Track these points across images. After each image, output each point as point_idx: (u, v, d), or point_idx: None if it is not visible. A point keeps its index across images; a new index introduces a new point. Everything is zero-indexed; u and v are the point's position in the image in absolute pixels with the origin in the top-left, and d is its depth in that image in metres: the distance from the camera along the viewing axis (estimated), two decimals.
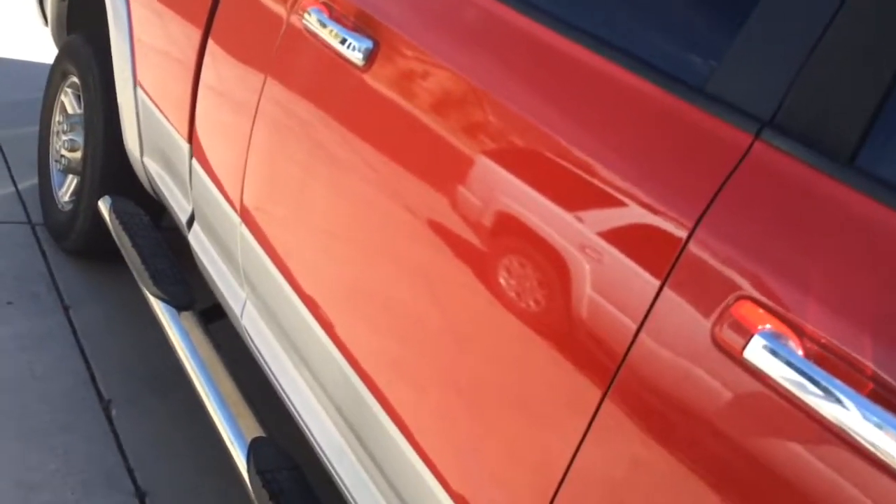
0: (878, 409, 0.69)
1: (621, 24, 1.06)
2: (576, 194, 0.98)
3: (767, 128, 0.85)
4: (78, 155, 2.58)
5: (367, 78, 1.32)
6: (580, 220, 0.97)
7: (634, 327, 0.89)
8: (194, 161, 1.90)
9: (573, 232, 0.97)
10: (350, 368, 1.34)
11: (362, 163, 1.34)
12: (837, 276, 0.76)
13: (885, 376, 0.70)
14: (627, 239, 0.92)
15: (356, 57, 1.33)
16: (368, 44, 1.32)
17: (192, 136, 1.91)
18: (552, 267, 1.00)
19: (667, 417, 0.85)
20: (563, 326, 0.97)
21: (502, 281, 1.05)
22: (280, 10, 1.58)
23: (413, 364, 1.22)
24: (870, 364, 0.72)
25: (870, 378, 0.71)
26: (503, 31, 1.16)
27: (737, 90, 0.89)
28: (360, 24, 1.37)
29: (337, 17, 1.40)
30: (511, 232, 1.05)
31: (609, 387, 0.90)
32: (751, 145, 0.85)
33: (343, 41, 1.36)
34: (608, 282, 0.93)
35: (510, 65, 1.14)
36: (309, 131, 1.47)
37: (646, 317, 0.88)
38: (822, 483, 0.72)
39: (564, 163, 1.01)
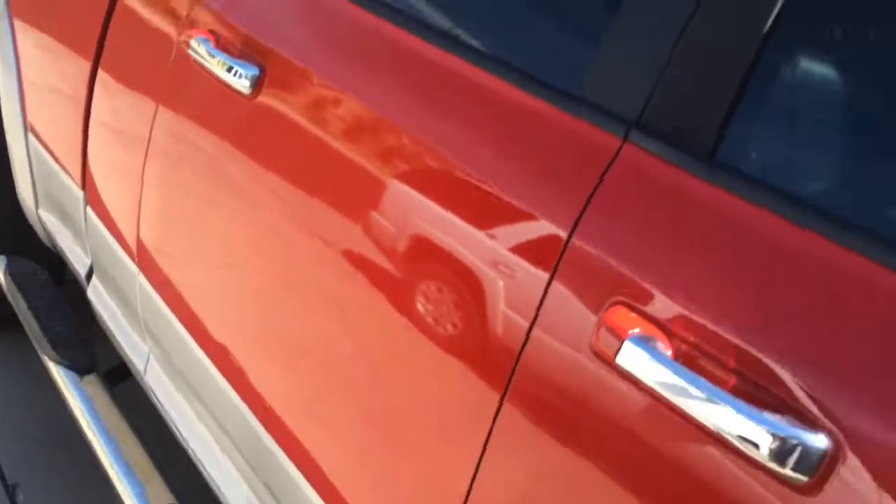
0: (744, 404, 0.76)
1: (498, 35, 1.16)
2: (464, 207, 1.06)
3: (634, 129, 0.93)
4: None
5: (255, 105, 1.39)
6: (469, 234, 1.04)
7: (523, 338, 0.95)
8: (89, 209, 1.95)
9: (465, 245, 1.05)
10: (254, 417, 1.39)
11: (257, 196, 1.40)
12: (703, 275, 0.84)
13: (748, 373, 0.77)
14: (511, 248, 0.99)
15: (243, 85, 1.40)
16: (254, 70, 1.39)
17: (85, 182, 1.96)
18: (446, 282, 1.07)
19: (558, 426, 0.92)
20: (460, 342, 1.04)
21: (406, 300, 1.12)
22: (168, 39, 1.65)
23: (321, 404, 1.28)
24: (733, 361, 0.79)
25: (735, 374, 0.78)
26: (385, 47, 1.25)
27: (605, 93, 0.97)
28: (246, 50, 1.44)
29: (223, 46, 1.48)
30: (410, 249, 1.13)
31: (503, 397, 0.97)
32: (619, 148, 0.93)
33: (229, 69, 1.43)
34: (496, 293, 1.00)
35: (392, 79, 1.22)
36: (202, 166, 1.53)
37: (531, 326, 0.95)
38: (698, 478, 0.79)
39: (450, 176, 1.09)
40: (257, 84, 1.39)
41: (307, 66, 1.33)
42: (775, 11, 0.85)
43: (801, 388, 0.74)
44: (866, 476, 0.70)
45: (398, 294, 1.14)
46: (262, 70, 1.39)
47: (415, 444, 1.13)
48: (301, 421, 1.33)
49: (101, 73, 1.89)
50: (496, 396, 0.98)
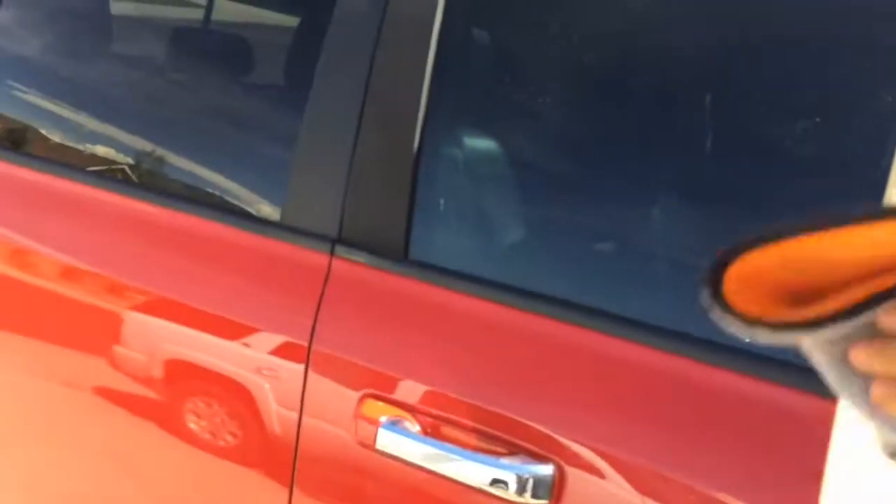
0: (487, 456, 0.91)
1: (201, 178, 1.23)
2: (218, 340, 1.12)
3: (338, 244, 1.05)
4: None
5: None
6: (229, 366, 1.11)
7: (293, 445, 1.04)
8: None
9: (232, 376, 1.11)
10: None
11: None
12: (427, 355, 0.98)
13: (484, 428, 0.93)
14: (264, 365, 1.08)
15: None
16: None
17: None
18: (218, 401, 1.13)
19: None
20: (245, 452, 1.10)
21: (175, 422, 1.15)
22: None
23: None
24: (470, 423, 0.93)
25: (474, 433, 0.93)
26: (78, 204, 1.26)
27: (305, 217, 1.08)
28: None
29: None
30: (168, 374, 1.17)
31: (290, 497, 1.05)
32: (329, 263, 1.05)
33: None
34: (260, 408, 1.08)
35: (93, 231, 1.24)
36: None
37: (298, 434, 1.04)
38: None
39: (191, 317, 1.15)
40: None
41: None
42: (419, 127, 1.00)
43: (525, 431, 0.91)
44: (588, 489, 0.87)
45: (168, 418, 1.17)
46: None
47: None
48: None
49: None
50: (284, 493, 1.06)
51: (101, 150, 1.33)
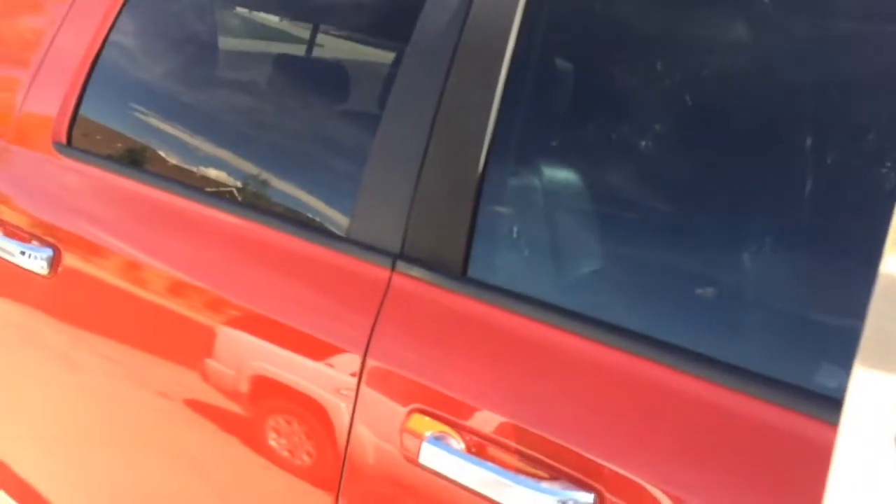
0: (528, 479, 0.89)
1: (274, 193, 1.26)
2: (276, 347, 1.14)
3: (399, 260, 1.05)
4: None
5: (55, 283, 1.41)
6: (286, 372, 1.12)
7: (342, 453, 1.04)
8: None
9: (286, 381, 1.12)
10: None
11: (81, 364, 1.41)
12: (476, 374, 0.97)
13: (526, 451, 0.90)
14: (319, 375, 1.08)
15: (39, 266, 1.42)
16: (48, 252, 1.42)
17: None
18: (275, 415, 1.14)
19: None
20: (295, 459, 1.11)
21: (236, 430, 1.17)
22: None
23: None
24: (513, 443, 0.91)
25: (516, 454, 0.91)
26: (168, 213, 1.32)
27: (370, 233, 1.09)
28: (36, 233, 1.46)
29: (12, 233, 1.49)
30: (233, 385, 1.19)
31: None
32: (389, 278, 1.05)
33: (22, 253, 1.44)
34: (314, 417, 1.08)
35: (183, 243, 1.29)
36: (14, 345, 1.52)
37: (347, 442, 1.04)
38: None
39: (254, 324, 1.17)
40: (53, 263, 1.41)
41: (98, 241, 1.38)
42: (485, 146, 1.01)
43: (567, 454, 0.88)
44: None
45: (237, 432, 1.19)
46: (56, 249, 1.42)
47: None
48: None
49: None
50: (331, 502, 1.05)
51: (197, 179, 1.38)
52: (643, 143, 1.03)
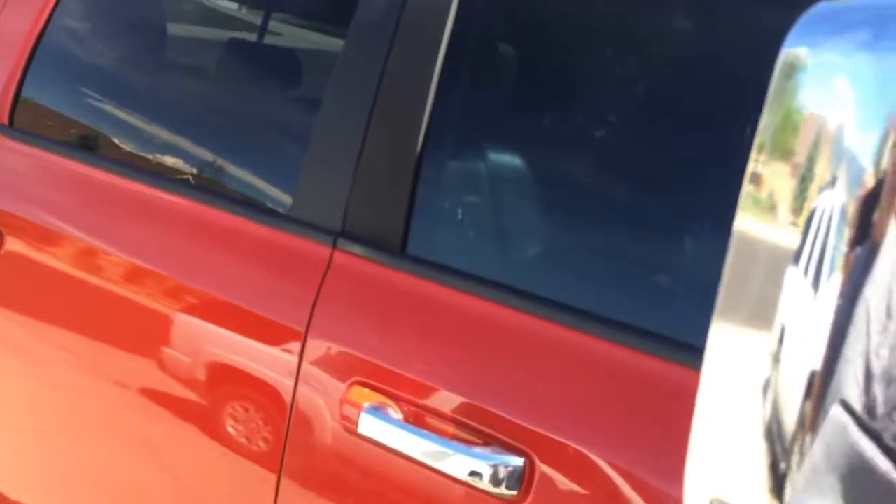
0: (463, 446, 0.91)
1: (219, 173, 1.26)
2: (219, 325, 1.14)
3: (340, 238, 1.06)
4: None
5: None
6: (230, 348, 1.12)
7: (286, 424, 1.05)
8: None
9: (229, 358, 1.12)
10: None
11: (27, 351, 1.38)
12: (415, 347, 0.98)
13: (461, 419, 0.92)
14: (261, 352, 1.09)
15: None
16: None
17: None
18: (221, 392, 1.14)
19: (330, 497, 1.02)
20: (238, 435, 1.10)
21: (192, 415, 1.16)
22: None
23: None
24: (448, 412, 0.93)
25: (452, 423, 0.93)
26: (112, 194, 1.30)
27: (312, 211, 1.10)
28: None
29: None
30: (170, 364, 1.18)
31: (279, 478, 1.05)
32: (331, 255, 1.06)
33: None
34: (256, 389, 1.09)
35: (131, 225, 1.28)
36: None
37: (290, 413, 1.04)
38: None
39: (197, 302, 1.17)
40: None
41: (44, 225, 1.36)
42: (423, 126, 1.02)
43: (499, 422, 0.90)
44: (555, 482, 0.86)
45: (182, 411, 1.18)
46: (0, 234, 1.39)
47: None
48: None
49: None
50: (273, 480, 1.06)
51: (140, 158, 1.36)
52: (580, 126, 1.05)
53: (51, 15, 1.50)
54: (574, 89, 1.08)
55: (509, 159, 1.07)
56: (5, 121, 1.49)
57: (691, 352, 0.84)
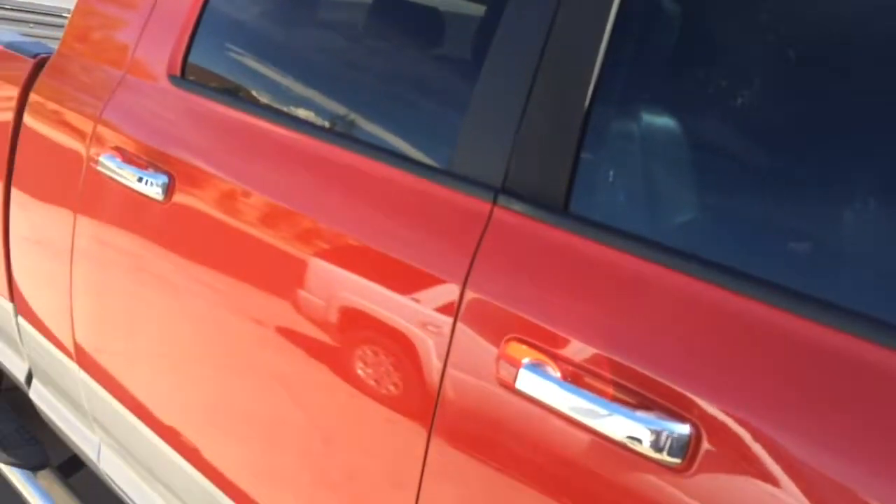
0: (624, 408, 0.89)
1: (376, 126, 1.27)
2: (373, 276, 1.16)
3: (501, 194, 1.05)
4: None
5: (169, 209, 1.46)
6: (381, 297, 1.14)
7: (438, 380, 1.06)
8: (20, 318, 1.95)
9: (380, 308, 1.14)
10: (214, 487, 1.44)
11: (182, 287, 1.46)
12: (575, 307, 0.96)
13: (623, 382, 0.90)
14: (418, 305, 1.10)
15: (155, 192, 1.47)
16: (164, 178, 1.46)
17: (13, 294, 1.96)
18: (366, 341, 1.16)
19: (480, 450, 1.02)
20: (387, 392, 1.13)
21: (334, 361, 1.20)
22: (76, 156, 1.70)
23: (277, 470, 1.34)
24: (609, 375, 0.91)
25: (612, 385, 0.91)
26: (274, 143, 1.34)
27: (472, 167, 1.09)
28: (153, 160, 1.51)
29: (130, 160, 1.54)
30: (330, 316, 1.21)
31: (430, 433, 1.07)
32: (491, 211, 1.05)
33: (140, 179, 1.49)
34: (410, 345, 1.10)
35: (291, 174, 1.31)
36: (128, 266, 1.58)
37: (444, 368, 1.05)
38: (598, 475, 0.91)
39: (352, 252, 1.19)
40: (168, 190, 1.46)
41: (213, 170, 1.41)
42: (591, 83, 0.99)
43: (666, 388, 0.87)
44: (723, 453, 0.83)
45: (327, 357, 1.22)
46: (171, 177, 1.46)
47: (365, 489, 1.20)
48: (259, 486, 1.38)
49: (14, 191, 1.90)
50: (424, 434, 1.07)
51: (302, 111, 1.40)
52: (753, 90, 0.99)
53: None
54: (745, 48, 1.02)
55: (676, 120, 1.02)
56: (177, 72, 1.56)
57: (873, 325, 0.78)
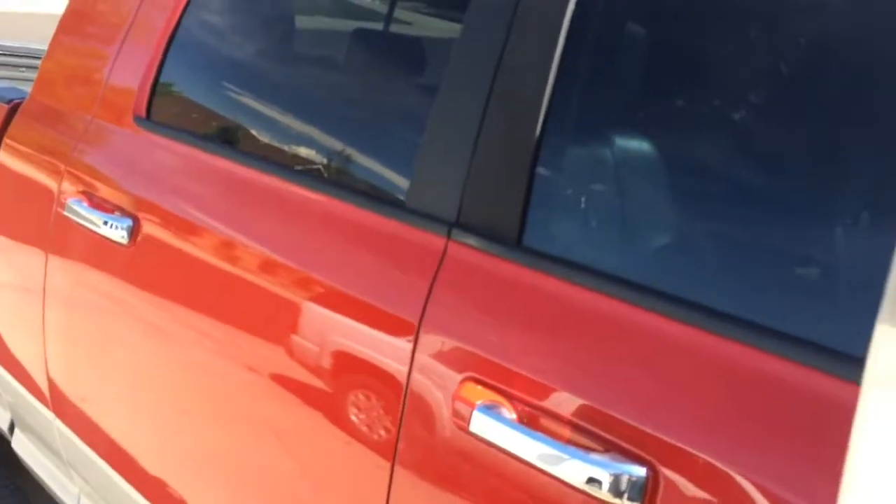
0: (581, 451, 0.84)
1: (336, 163, 1.24)
2: (334, 312, 1.12)
3: (455, 228, 1.01)
4: None
5: (133, 252, 1.43)
6: (344, 335, 1.10)
7: (398, 417, 1.01)
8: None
9: (343, 345, 1.10)
10: None
11: (154, 331, 1.42)
12: (531, 344, 0.92)
13: (579, 423, 0.85)
14: (374, 341, 1.05)
15: (120, 235, 1.44)
16: (129, 222, 1.43)
17: None
18: (333, 378, 1.12)
19: (438, 488, 0.98)
20: (353, 424, 1.08)
21: (306, 399, 1.15)
22: (49, 198, 1.67)
23: None
24: (565, 414, 0.86)
25: (569, 426, 0.86)
26: (233, 182, 1.31)
27: (427, 201, 1.05)
28: (118, 204, 1.48)
29: (97, 204, 1.51)
30: (292, 353, 1.17)
31: (392, 468, 1.02)
32: (445, 246, 1.01)
33: (105, 223, 1.46)
34: (369, 381, 1.06)
35: (250, 211, 1.28)
36: (98, 309, 1.55)
37: (403, 406, 1.00)
38: None
39: (312, 289, 1.15)
40: (133, 232, 1.43)
41: (176, 211, 1.38)
42: (542, 115, 0.95)
43: (621, 428, 0.82)
44: (681, 493, 0.78)
45: (293, 395, 1.17)
46: (135, 219, 1.43)
47: None
48: None
49: None
50: (387, 470, 1.03)
51: (261, 149, 1.37)
52: (707, 111, 0.95)
53: (183, 11, 1.53)
54: (701, 71, 0.98)
55: (630, 148, 0.98)
56: (143, 113, 1.54)
57: (839, 359, 0.74)
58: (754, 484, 0.74)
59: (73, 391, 1.67)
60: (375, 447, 1.06)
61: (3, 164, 1.82)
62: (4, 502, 2.01)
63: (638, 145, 0.98)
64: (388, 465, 1.03)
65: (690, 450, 0.78)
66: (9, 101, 1.89)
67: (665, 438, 0.80)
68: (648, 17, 1.03)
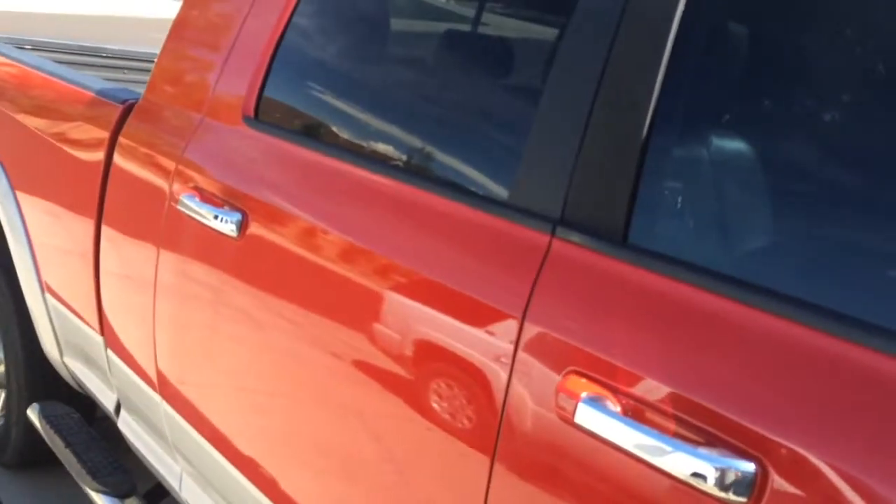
0: (686, 445, 0.85)
1: (441, 161, 1.27)
2: (438, 308, 1.15)
3: (559, 226, 1.03)
4: (0, 369, 2.67)
5: (243, 245, 1.49)
6: (447, 330, 1.13)
7: (500, 411, 1.04)
8: (109, 351, 2.02)
9: (445, 340, 1.13)
10: None
11: (256, 320, 1.49)
12: (635, 339, 0.93)
13: (685, 417, 0.86)
14: (477, 337, 1.08)
15: (230, 229, 1.50)
16: (238, 216, 1.50)
17: (103, 328, 2.04)
18: (431, 372, 1.15)
19: (539, 483, 1.00)
20: (451, 422, 1.11)
21: (404, 393, 1.19)
22: (161, 194, 1.76)
23: (351, 500, 1.34)
24: (671, 410, 0.88)
25: (674, 420, 0.87)
26: (342, 180, 1.36)
27: (531, 199, 1.08)
28: (228, 199, 1.55)
29: (207, 199, 1.59)
30: (399, 348, 1.21)
31: (492, 463, 1.05)
32: (549, 243, 1.04)
33: (216, 217, 1.53)
34: (472, 376, 1.09)
35: (358, 209, 1.32)
36: (206, 301, 1.62)
37: (505, 400, 1.03)
38: None
39: (418, 285, 1.19)
40: (242, 226, 1.49)
41: (284, 207, 1.44)
42: (649, 112, 0.97)
43: (729, 423, 0.83)
44: (790, 491, 0.78)
45: (397, 388, 1.21)
46: (245, 214, 1.49)
47: None
48: None
49: (104, 229, 1.98)
50: (487, 463, 1.05)
51: (367, 148, 1.41)
52: (814, 109, 0.95)
53: (290, 19, 1.59)
54: (809, 70, 0.98)
55: (737, 146, 0.99)
56: (251, 113, 1.60)
57: None
58: (866, 486, 0.75)
59: (179, 376, 1.75)
60: (474, 439, 1.08)
61: (118, 161, 1.92)
62: (108, 479, 2.10)
63: (744, 145, 0.99)
64: (487, 457, 1.06)
65: (800, 449, 0.78)
66: (123, 102, 1.99)
67: (774, 437, 0.80)
68: (756, 16, 1.03)
